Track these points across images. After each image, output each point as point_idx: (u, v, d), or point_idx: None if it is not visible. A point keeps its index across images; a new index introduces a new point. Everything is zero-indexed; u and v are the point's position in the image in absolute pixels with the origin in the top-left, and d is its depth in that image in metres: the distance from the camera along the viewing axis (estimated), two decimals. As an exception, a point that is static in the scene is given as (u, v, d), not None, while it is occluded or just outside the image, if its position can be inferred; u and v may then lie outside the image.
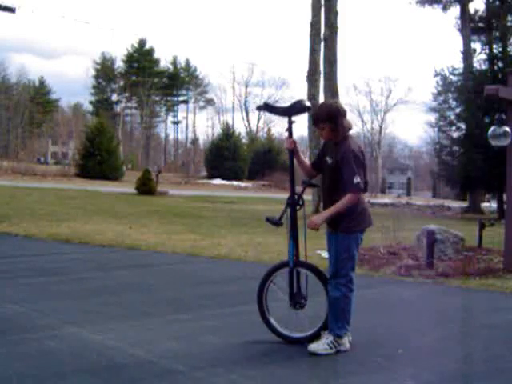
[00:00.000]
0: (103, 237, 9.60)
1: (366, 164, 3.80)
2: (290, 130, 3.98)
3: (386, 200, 34.82)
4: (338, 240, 3.75)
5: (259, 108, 4.37)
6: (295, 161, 4.06)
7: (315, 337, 3.80)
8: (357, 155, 3.68)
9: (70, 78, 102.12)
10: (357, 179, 3.60)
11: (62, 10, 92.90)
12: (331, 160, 3.75)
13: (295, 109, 3.99)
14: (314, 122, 3.86)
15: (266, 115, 65.89)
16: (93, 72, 73.73)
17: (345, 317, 3.71)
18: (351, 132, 3.87)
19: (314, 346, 3.69)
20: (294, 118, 3.98)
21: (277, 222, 3.86)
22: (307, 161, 4.16)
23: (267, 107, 4.42)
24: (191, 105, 79.46)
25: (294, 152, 3.96)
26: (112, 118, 65.86)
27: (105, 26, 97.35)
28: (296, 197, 3.90)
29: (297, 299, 3.85)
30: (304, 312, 3.87)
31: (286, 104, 4.12)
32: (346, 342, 3.74)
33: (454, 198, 47.65)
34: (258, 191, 40.46)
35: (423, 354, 3.78)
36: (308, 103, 4.03)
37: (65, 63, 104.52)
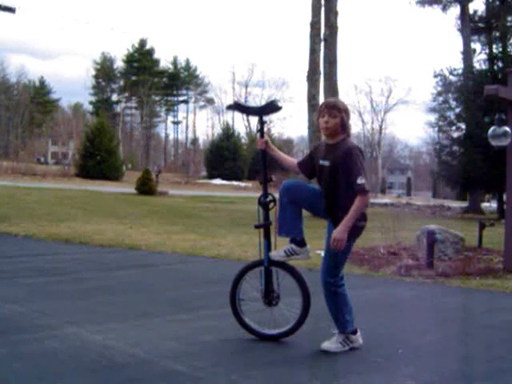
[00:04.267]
0: (103, 237, 9.59)
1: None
2: (261, 130, 3.94)
3: (386, 200, 34.85)
4: None
5: (230, 107, 4.14)
6: (277, 158, 4.04)
7: (289, 333, 3.86)
8: (362, 153, 3.62)
9: (70, 79, 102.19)
10: (361, 180, 3.48)
11: (61, 10, 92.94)
12: (329, 162, 3.65)
13: (268, 109, 3.95)
14: (331, 107, 3.67)
15: (267, 115, 65.68)
16: (93, 72, 73.84)
17: (344, 312, 3.71)
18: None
19: (326, 345, 3.72)
20: (265, 118, 3.94)
21: (265, 224, 3.89)
22: (288, 156, 4.16)
23: (238, 107, 4.24)
24: (191, 105, 79.58)
25: (266, 152, 3.93)
26: (112, 118, 65.86)
27: (105, 26, 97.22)
28: (268, 196, 3.90)
29: (271, 297, 3.89)
30: (278, 309, 3.90)
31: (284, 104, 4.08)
32: (357, 338, 3.78)
33: (454, 198, 47.73)
34: (257, 191, 40.36)
35: (423, 354, 3.78)
36: (281, 104, 3.95)
37: (65, 63, 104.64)
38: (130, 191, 24.16)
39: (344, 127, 3.69)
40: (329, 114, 3.67)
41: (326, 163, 3.68)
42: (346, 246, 3.64)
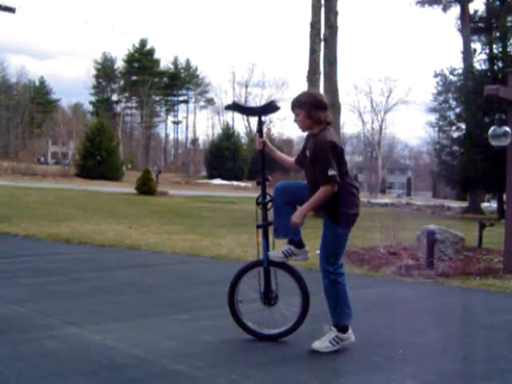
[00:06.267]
0: (103, 237, 9.59)
1: (346, 160, 3.73)
2: (260, 130, 3.95)
3: (386, 200, 34.87)
4: (329, 228, 3.72)
5: (228, 107, 4.16)
6: (276, 159, 4.06)
7: (288, 333, 3.86)
8: (335, 146, 3.57)
9: (70, 79, 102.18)
10: (331, 171, 3.50)
11: (61, 10, 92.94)
12: (309, 153, 3.70)
13: (267, 109, 3.97)
14: (292, 107, 3.78)
15: (266, 116, 65.66)
16: (93, 72, 73.82)
17: (343, 303, 3.70)
18: (344, 131, 3.85)
19: (316, 344, 3.70)
20: (263, 119, 3.97)
21: (267, 224, 3.90)
22: (287, 156, 4.18)
23: (237, 107, 4.25)
24: (191, 105, 79.56)
25: (264, 152, 3.94)
26: (112, 118, 65.89)
27: (105, 26, 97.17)
28: (266, 196, 3.91)
29: (270, 297, 3.89)
30: (277, 309, 3.90)
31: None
32: (349, 335, 3.73)
33: (454, 198, 47.77)
34: (257, 191, 40.32)
35: (423, 354, 3.78)
36: (279, 104, 3.99)
37: (65, 63, 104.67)
38: (130, 191, 24.15)
39: (311, 120, 3.68)
40: (294, 114, 3.78)
41: (308, 153, 3.73)
42: (341, 235, 3.68)
